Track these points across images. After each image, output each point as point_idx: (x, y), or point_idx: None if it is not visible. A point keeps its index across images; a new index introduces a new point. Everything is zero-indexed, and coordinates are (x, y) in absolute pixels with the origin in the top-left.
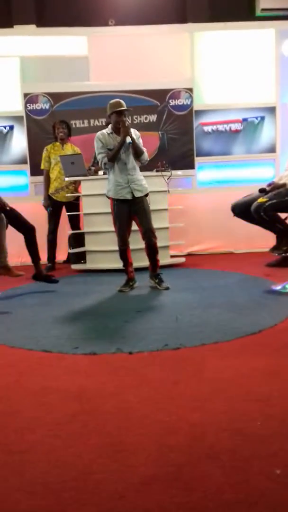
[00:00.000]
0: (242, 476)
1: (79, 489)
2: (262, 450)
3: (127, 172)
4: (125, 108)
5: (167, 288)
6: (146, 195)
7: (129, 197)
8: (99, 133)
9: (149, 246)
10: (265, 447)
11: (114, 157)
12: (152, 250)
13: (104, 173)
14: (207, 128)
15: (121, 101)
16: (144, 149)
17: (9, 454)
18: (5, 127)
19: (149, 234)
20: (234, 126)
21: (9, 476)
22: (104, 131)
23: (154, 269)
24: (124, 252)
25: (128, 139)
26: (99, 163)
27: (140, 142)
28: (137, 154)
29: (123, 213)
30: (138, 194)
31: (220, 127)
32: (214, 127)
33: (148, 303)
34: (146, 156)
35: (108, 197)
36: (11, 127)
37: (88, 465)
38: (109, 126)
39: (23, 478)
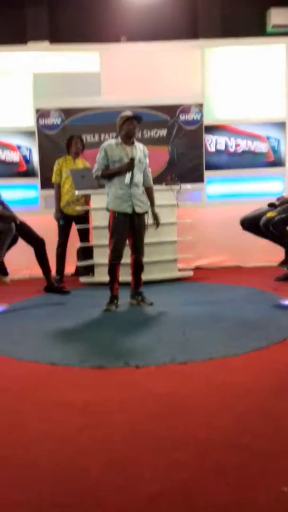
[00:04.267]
0: (250, 493)
1: (85, 504)
2: (269, 466)
3: (130, 186)
4: (136, 115)
5: (151, 304)
6: (146, 212)
7: (129, 211)
8: (106, 143)
9: (136, 263)
10: (272, 463)
11: (107, 176)
12: (138, 268)
13: (101, 187)
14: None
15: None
16: (150, 176)
17: (16, 468)
18: (27, 149)
19: (139, 252)
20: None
21: (15, 490)
22: (112, 141)
23: (137, 286)
24: (114, 267)
25: (132, 155)
26: (93, 171)
27: (146, 162)
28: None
29: (123, 227)
30: (138, 210)
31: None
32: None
33: (155, 316)
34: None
35: (108, 210)
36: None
37: (94, 481)
38: (119, 137)
39: (29, 493)
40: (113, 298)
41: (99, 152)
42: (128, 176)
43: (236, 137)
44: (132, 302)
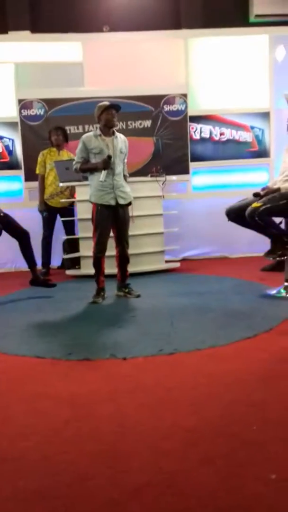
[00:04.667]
0: (238, 482)
1: (73, 496)
2: (258, 455)
3: (113, 177)
4: (114, 104)
5: (138, 296)
6: (129, 203)
7: (112, 203)
8: (85, 135)
9: (122, 255)
10: (261, 452)
11: (84, 171)
12: (124, 259)
13: (85, 178)
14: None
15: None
16: (125, 166)
17: (2, 462)
18: (9, 140)
19: (124, 244)
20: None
21: (1, 484)
22: (91, 133)
23: (124, 279)
24: (99, 260)
25: (109, 152)
26: (73, 163)
27: (126, 153)
28: None
29: (106, 219)
30: (121, 202)
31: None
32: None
33: (143, 308)
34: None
35: (91, 202)
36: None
37: (82, 472)
38: (98, 128)
39: (15, 486)
40: (100, 291)
41: (78, 144)
42: (103, 173)
43: (220, 126)
44: (118, 294)
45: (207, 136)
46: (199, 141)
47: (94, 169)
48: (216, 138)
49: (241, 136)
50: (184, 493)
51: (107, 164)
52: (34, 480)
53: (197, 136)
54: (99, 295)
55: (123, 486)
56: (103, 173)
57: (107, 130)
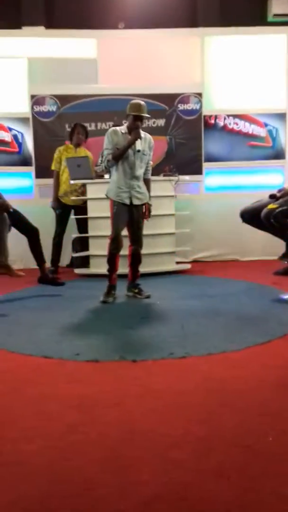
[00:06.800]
0: (253, 496)
1: (78, 506)
2: (273, 468)
3: (131, 177)
4: (144, 115)
5: (148, 297)
6: (144, 204)
7: (127, 202)
8: (112, 129)
9: (134, 255)
10: (276, 465)
11: (120, 156)
12: (136, 259)
13: (107, 172)
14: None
15: (143, 104)
16: (150, 170)
17: (4, 466)
18: (18, 133)
19: (137, 243)
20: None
21: (3, 489)
22: (118, 128)
23: (134, 279)
24: (114, 256)
25: (138, 146)
26: (102, 159)
27: (150, 154)
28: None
29: (123, 216)
30: (136, 202)
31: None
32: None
33: (153, 309)
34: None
35: (108, 197)
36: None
37: (88, 480)
38: (125, 125)
39: (18, 492)
40: (111, 288)
41: (106, 138)
42: (138, 143)
43: (234, 117)
44: (128, 294)
45: (221, 123)
46: (212, 127)
47: (128, 147)
48: (230, 127)
49: (254, 130)
50: (196, 508)
51: (137, 134)
52: (37, 487)
53: (211, 121)
54: (109, 294)
55: (131, 497)
56: (138, 143)
57: (130, 132)
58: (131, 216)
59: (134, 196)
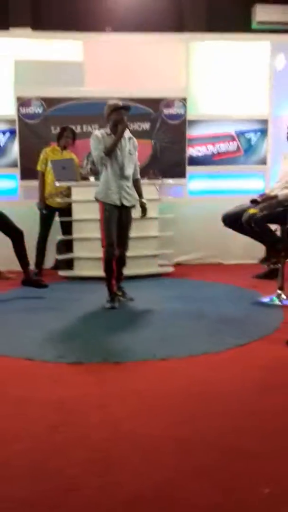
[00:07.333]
0: (233, 496)
1: (61, 507)
2: (253, 468)
3: (121, 177)
4: (125, 105)
5: (131, 299)
6: (133, 206)
7: (118, 203)
8: (97, 132)
9: (121, 257)
10: (257, 465)
11: (111, 150)
12: (122, 262)
13: (96, 176)
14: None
15: (117, 100)
16: (138, 169)
17: None
18: (4, 132)
19: (124, 246)
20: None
21: None
22: (102, 130)
23: (118, 281)
24: (111, 263)
25: (127, 134)
26: (95, 161)
27: (136, 155)
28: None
29: (114, 218)
30: (126, 203)
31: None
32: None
33: (136, 312)
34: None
35: (97, 200)
36: (11, 131)
37: (71, 481)
38: (107, 128)
39: (0, 493)
40: (115, 295)
41: (92, 141)
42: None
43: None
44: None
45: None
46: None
47: (119, 138)
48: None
49: (221, 147)
50: (177, 506)
51: (125, 124)
52: (19, 488)
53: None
54: (114, 300)
55: (114, 497)
56: (127, 131)
57: (116, 129)
58: (120, 218)
59: (123, 197)
